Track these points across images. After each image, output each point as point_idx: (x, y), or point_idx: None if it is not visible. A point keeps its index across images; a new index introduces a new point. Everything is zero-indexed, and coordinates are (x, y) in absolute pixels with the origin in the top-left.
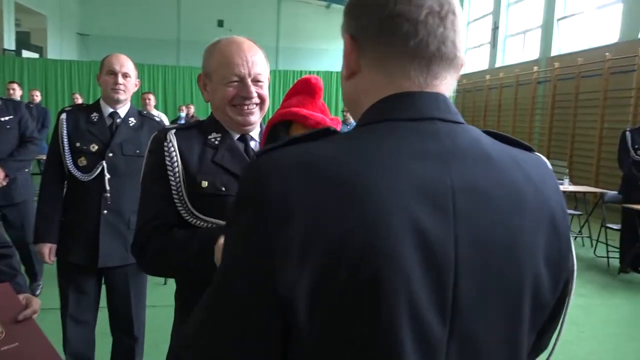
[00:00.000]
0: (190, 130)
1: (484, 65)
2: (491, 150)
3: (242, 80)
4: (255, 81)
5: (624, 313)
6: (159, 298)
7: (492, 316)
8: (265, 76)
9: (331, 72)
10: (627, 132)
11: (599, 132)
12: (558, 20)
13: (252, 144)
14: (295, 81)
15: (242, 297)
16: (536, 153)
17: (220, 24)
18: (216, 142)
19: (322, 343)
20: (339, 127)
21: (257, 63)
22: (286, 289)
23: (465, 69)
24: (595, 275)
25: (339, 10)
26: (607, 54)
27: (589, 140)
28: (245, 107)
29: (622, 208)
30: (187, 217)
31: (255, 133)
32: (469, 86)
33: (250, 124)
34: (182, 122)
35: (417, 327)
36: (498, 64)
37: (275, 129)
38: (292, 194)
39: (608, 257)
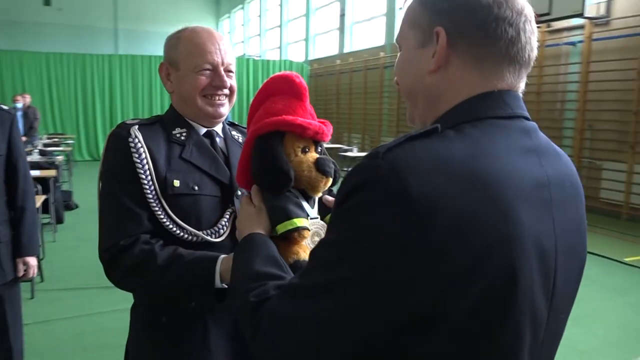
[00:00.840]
0: (152, 125)
1: (334, 51)
2: (553, 144)
3: (215, 68)
4: (227, 71)
5: None
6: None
7: (569, 291)
8: (234, 67)
9: None
10: None
11: None
12: (400, 8)
13: (219, 140)
14: (267, 79)
15: (369, 303)
16: None
17: (47, 2)
18: (182, 138)
19: (454, 343)
20: (330, 130)
21: (229, 52)
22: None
23: (316, 54)
24: None
25: None
26: None
27: None
28: (217, 98)
29: None
30: (165, 222)
31: (218, 129)
32: (321, 71)
33: (220, 115)
34: (20, 113)
35: (533, 317)
36: (347, 50)
37: (267, 140)
38: (436, 193)
39: None
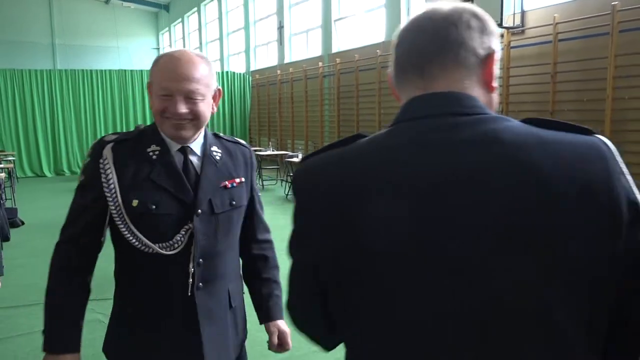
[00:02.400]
0: (128, 142)
1: (274, 62)
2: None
3: (172, 95)
4: (188, 98)
5: None
6: None
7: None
8: (202, 92)
9: (125, 71)
10: None
11: (378, 117)
12: (335, 20)
13: (194, 159)
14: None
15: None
16: (595, 135)
17: None
18: (154, 157)
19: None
20: None
21: (193, 80)
22: (313, 257)
23: (257, 65)
24: None
25: (118, 5)
26: (377, 50)
27: (371, 125)
28: (175, 121)
29: None
30: (126, 233)
31: (196, 146)
32: (262, 81)
33: (181, 137)
34: None
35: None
36: (287, 60)
37: None
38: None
39: None
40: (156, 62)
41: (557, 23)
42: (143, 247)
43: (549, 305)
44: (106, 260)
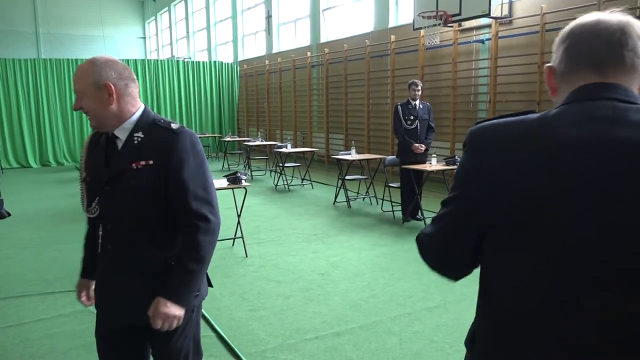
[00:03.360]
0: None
1: (262, 52)
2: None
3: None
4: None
5: (417, 254)
6: None
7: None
8: (81, 91)
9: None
10: (398, 106)
11: (366, 107)
12: (323, 10)
13: (119, 143)
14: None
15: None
16: None
17: None
18: (101, 141)
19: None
20: None
21: (76, 81)
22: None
23: (245, 55)
24: (388, 227)
25: None
26: (366, 40)
27: (360, 114)
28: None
29: (400, 169)
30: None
31: (120, 132)
32: (250, 71)
33: (92, 127)
34: None
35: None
36: (275, 50)
37: None
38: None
39: (393, 211)
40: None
41: (544, 13)
42: (83, 210)
43: None
44: None
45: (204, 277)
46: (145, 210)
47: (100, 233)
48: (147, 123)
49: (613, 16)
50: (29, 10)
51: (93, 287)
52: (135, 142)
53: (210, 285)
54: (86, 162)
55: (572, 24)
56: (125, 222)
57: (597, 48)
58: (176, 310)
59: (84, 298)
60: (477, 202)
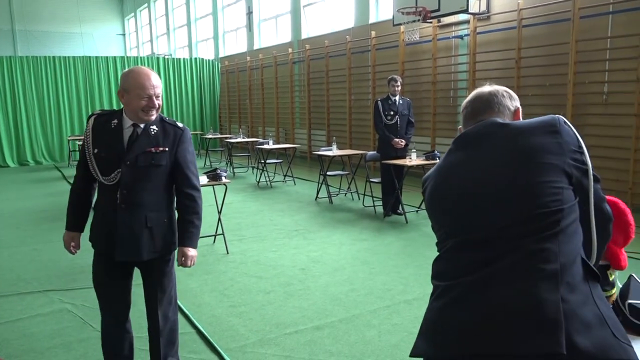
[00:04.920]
0: (105, 116)
1: (244, 48)
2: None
3: (149, 97)
4: (157, 96)
5: (397, 247)
6: None
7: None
8: (159, 92)
9: (89, 57)
10: (378, 102)
11: (348, 103)
12: (304, 6)
13: (139, 131)
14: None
15: None
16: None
17: None
18: (112, 126)
19: None
20: None
21: (158, 85)
22: None
23: (226, 52)
24: (369, 222)
25: None
26: (347, 36)
27: (341, 110)
28: (150, 111)
29: (380, 164)
30: (91, 169)
31: (142, 123)
32: (232, 68)
33: (149, 121)
34: None
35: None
36: (256, 47)
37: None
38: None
39: (374, 206)
40: (127, 76)
41: (521, 9)
42: (97, 177)
43: None
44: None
45: (201, 229)
46: (154, 182)
47: (118, 195)
48: (157, 120)
49: (489, 87)
50: (5, 7)
51: (80, 238)
52: (152, 133)
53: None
54: (95, 141)
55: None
56: (138, 189)
57: (478, 107)
58: (194, 252)
59: (72, 248)
60: None
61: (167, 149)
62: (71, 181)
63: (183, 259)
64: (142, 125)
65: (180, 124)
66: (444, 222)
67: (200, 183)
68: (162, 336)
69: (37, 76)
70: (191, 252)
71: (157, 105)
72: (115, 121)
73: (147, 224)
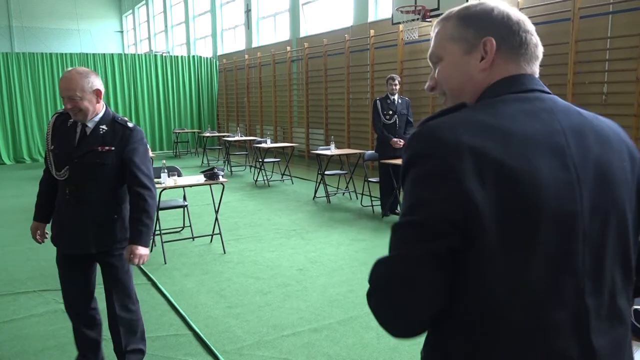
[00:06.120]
0: (64, 115)
1: (242, 46)
2: (572, 106)
3: (64, 100)
4: (70, 98)
5: None
6: None
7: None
8: (78, 95)
9: (86, 54)
10: (377, 101)
11: (346, 102)
12: (303, 4)
13: (88, 130)
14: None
15: (432, 224)
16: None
17: None
18: (68, 125)
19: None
20: None
21: (69, 88)
22: (474, 205)
23: (224, 50)
24: (367, 222)
25: None
26: (346, 35)
27: (340, 109)
28: (72, 113)
29: (379, 164)
30: (49, 165)
31: (90, 124)
32: (230, 66)
33: (77, 120)
34: None
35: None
36: (254, 45)
37: None
38: (462, 139)
39: (372, 206)
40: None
41: (520, 8)
42: (52, 172)
43: None
44: None
45: (152, 227)
46: (100, 180)
47: (67, 191)
48: (109, 120)
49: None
50: (2, 3)
51: (45, 228)
52: (101, 132)
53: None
54: (53, 138)
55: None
56: (85, 186)
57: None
58: (142, 250)
59: (38, 237)
60: None
61: (113, 148)
62: None
63: (131, 256)
64: (90, 125)
65: (130, 124)
66: None
67: (194, 185)
68: (121, 326)
69: (33, 73)
70: (139, 250)
71: (74, 107)
72: (72, 120)
73: (93, 220)
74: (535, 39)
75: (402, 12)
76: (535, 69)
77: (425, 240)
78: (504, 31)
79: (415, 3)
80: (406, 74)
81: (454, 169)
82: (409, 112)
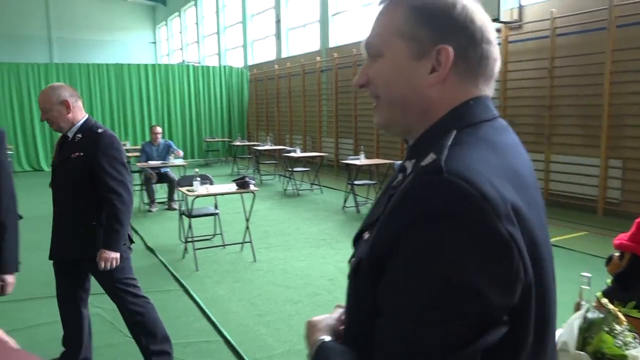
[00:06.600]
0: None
1: (272, 56)
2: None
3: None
4: (43, 112)
5: None
6: None
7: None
8: (47, 107)
9: (121, 65)
10: None
11: None
12: (332, 15)
13: (67, 138)
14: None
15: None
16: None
17: None
18: (61, 135)
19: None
20: None
21: (40, 102)
22: (529, 281)
23: (255, 60)
24: None
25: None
26: None
27: (369, 119)
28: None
29: None
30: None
31: (70, 133)
32: (260, 76)
33: (54, 130)
34: None
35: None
36: (284, 55)
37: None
38: (505, 194)
39: None
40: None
41: (554, 18)
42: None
43: None
44: None
45: (126, 232)
46: (76, 187)
47: (52, 198)
48: (86, 128)
49: None
50: (42, 15)
51: None
52: (76, 140)
53: (131, 241)
54: (56, 152)
55: None
56: (62, 193)
57: None
58: (112, 254)
59: None
60: None
61: (82, 154)
62: None
63: (99, 259)
64: (69, 135)
65: (100, 129)
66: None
67: (226, 194)
68: (130, 325)
69: (72, 82)
70: (106, 254)
71: (47, 119)
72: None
73: (71, 226)
74: (496, 52)
75: None
76: (492, 90)
77: (474, 339)
78: (465, 40)
79: None
80: None
81: (514, 238)
82: None
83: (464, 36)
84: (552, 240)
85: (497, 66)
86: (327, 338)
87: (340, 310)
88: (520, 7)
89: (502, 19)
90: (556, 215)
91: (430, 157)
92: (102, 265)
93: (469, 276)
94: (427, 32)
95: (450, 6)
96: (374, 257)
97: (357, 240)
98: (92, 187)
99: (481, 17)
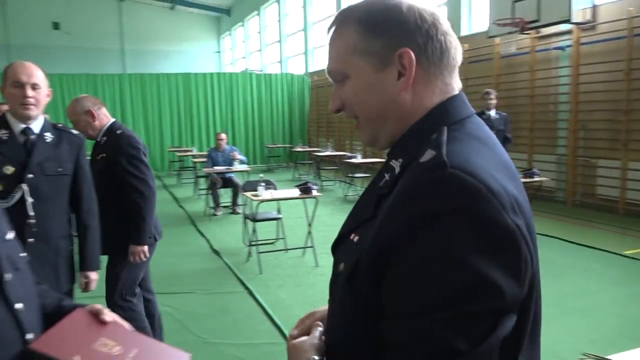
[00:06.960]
0: None
1: None
2: None
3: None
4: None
5: None
6: None
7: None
8: (74, 120)
9: (188, 74)
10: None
11: None
12: None
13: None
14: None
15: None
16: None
17: (56, 26)
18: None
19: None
20: None
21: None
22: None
23: (315, 67)
24: None
25: (182, 11)
26: None
27: None
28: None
29: None
30: None
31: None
32: (321, 82)
33: (88, 138)
34: None
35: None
36: None
37: None
38: (507, 187)
39: None
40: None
41: (632, 17)
42: None
43: None
44: (174, 256)
45: (149, 226)
46: (100, 186)
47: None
48: (109, 131)
49: None
50: (116, 30)
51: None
52: (102, 143)
53: (155, 239)
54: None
55: None
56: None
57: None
58: (139, 248)
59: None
60: None
61: (104, 155)
62: (171, 190)
63: (129, 255)
64: (98, 139)
65: (119, 131)
66: None
67: (289, 199)
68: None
69: (143, 91)
70: (133, 248)
71: (78, 130)
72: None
73: (101, 224)
74: (454, 40)
75: (499, 25)
76: (458, 81)
77: (493, 331)
78: (421, 38)
79: (513, 15)
80: (503, 88)
81: (520, 228)
82: (507, 128)
83: (419, 35)
84: (628, 252)
85: (459, 54)
86: (317, 357)
87: (320, 329)
88: (594, 7)
89: (573, 20)
90: (636, 227)
91: (429, 153)
92: (132, 258)
93: (484, 268)
94: (383, 42)
95: (397, 10)
96: (378, 257)
97: (338, 244)
98: (115, 186)
99: (430, 11)
